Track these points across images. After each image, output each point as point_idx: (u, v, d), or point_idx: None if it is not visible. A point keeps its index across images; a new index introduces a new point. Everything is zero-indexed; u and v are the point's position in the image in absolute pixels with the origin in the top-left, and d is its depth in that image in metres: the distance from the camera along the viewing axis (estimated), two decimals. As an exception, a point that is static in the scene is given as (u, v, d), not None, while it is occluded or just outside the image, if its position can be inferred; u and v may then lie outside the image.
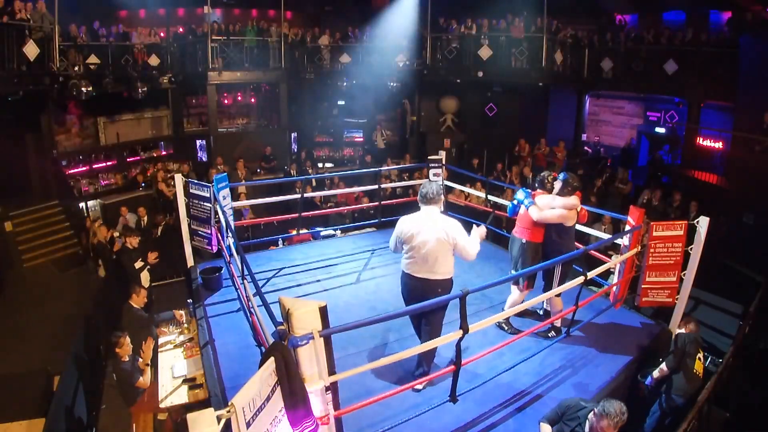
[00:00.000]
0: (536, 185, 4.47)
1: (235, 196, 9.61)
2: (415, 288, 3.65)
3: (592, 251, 4.50)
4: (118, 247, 7.30)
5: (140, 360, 4.71)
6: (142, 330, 5.02)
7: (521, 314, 4.64)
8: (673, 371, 4.00)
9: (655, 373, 4.09)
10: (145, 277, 6.55)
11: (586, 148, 13.30)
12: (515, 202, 4.45)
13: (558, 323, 4.42)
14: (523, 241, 4.34)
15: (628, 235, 4.59)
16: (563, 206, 4.15)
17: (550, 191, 4.33)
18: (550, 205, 4.18)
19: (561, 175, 4.30)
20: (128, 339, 4.62)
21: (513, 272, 4.43)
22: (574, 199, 4.19)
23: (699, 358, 4.07)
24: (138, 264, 6.51)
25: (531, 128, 12.53)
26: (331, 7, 14.64)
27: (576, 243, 4.65)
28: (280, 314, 2.84)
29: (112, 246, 7.77)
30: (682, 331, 4.17)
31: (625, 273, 4.67)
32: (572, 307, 4.15)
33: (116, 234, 8.28)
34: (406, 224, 3.62)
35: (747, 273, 6.85)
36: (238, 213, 8.64)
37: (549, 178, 4.39)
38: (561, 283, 4.28)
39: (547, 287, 4.40)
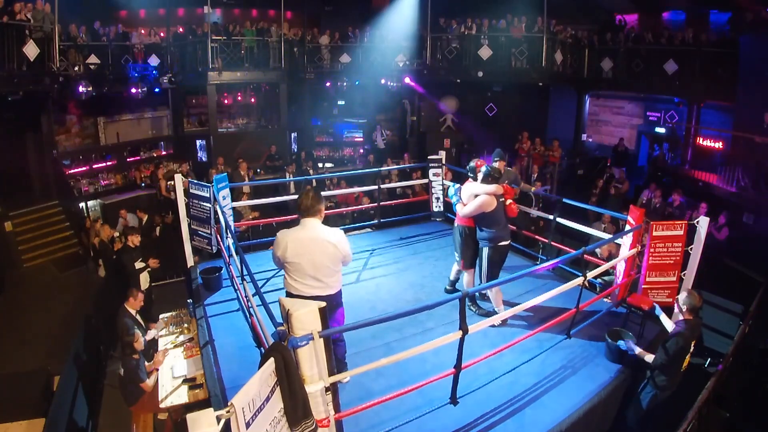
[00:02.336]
0: (468, 174, 4.85)
1: (237, 196, 9.64)
2: None
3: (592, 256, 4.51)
4: (118, 246, 7.30)
5: (148, 363, 4.71)
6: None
7: (519, 316, 4.64)
8: (660, 367, 3.80)
9: (637, 350, 3.92)
10: (144, 278, 6.55)
11: (595, 152, 13.27)
12: (453, 199, 4.94)
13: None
14: (458, 225, 4.85)
15: (628, 234, 4.60)
16: (483, 192, 4.52)
17: (476, 180, 4.70)
18: (473, 194, 4.59)
19: (484, 167, 4.66)
20: (141, 334, 4.63)
21: (456, 256, 4.93)
22: (493, 187, 4.53)
23: (689, 353, 3.81)
24: (138, 264, 6.51)
25: (531, 128, 12.53)
26: (331, 7, 14.64)
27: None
28: (279, 315, 2.84)
29: (113, 246, 7.77)
30: (681, 319, 3.83)
31: (626, 274, 4.67)
32: (573, 309, 4.16)
33: (116, 234, 8.28)
34: None
35: (747, 273, 6.85)
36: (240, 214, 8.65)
37: (476, 168, 4.74)
38: (491, 268, 4.61)
39: (481, 277, 4.71)
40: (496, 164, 5.41)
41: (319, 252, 3.30)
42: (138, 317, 5.27)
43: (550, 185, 11.58)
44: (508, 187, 4.78)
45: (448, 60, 12.38)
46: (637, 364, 4.09)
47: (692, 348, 3.79)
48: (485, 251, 4.61)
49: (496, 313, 4.65)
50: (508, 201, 4.75)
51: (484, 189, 4.53)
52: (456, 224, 4.93)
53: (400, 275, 5.78)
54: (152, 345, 5.11)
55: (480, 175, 4.61)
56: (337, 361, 3.42)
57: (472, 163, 4.81)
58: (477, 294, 5.03)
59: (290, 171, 11.45)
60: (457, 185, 4.91)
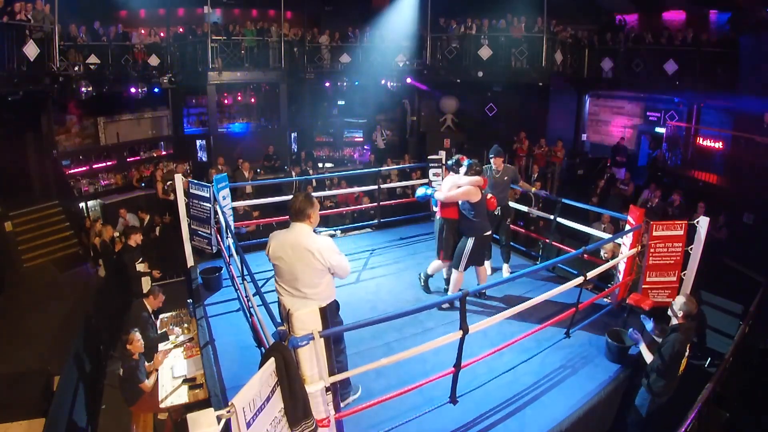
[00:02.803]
0: (450, 168, 5.11)
1: (240, 196, 9.64)
2: None
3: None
4: (119, 246, 7.30)
5: (148, 364, 4.70)
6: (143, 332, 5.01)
7: (518, 316, 4.64)
8: (657, 371, 3.78)
9: (642, 345, 3.92)
10: (145, 282, 6.54)
11: (588, 153, 13.27)
12: (426, 191, 5.22)
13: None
14: (439, 218, 5.06)
15: (628, 234, 4.59)
16: (468, 183, 4.72)
17: (458, 173, 4.93)
18: (456, 184, 4.78)
19: (466, 161, 4.88)
20: (139, 335, 4.62)
21: (437, 248, 5.11)
22: (476, 179, 4.74)
23: (685, 357, 3.80)
24: (140, 267, 6.49)
25: (531, 128, 12.54)
26: (331, 7, 14.65)
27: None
28: (279, 314, 2.84)
29: (114, 246, 7.77)
30: (675, 323, 3.78)
31: (625, 273, 4.67)
32: (572, 308, 4.15)
33: (116, 234, 8.27)
34: None
35: (747, 273, 6.85)
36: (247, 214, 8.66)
37: (457, 162, 4.99)
38: (470, 257, 4.79)
39: (456, 261, 4.89)
40: (492, 160, 5.50)
41: (297, 259, 3.10)
42: (152, 317, 5.27)
43: (550, 185, 11.60)
44: (486, 179, 4.99)
45: (448, 60, 12.38)
46: (637, 363, 4.09)
47: (687, 351, 3.79)
48: (470, 241, 4.79)
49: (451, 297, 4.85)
50: (489, 195, 4.96)
51: (468, 180, 4.74)
52: (437, 217, 5.12)
53: (400, 275, 5.78)
54: (153, 346, 5.10)
55: (462, 168, 4.84)
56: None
57: (455, 158, 5.03)
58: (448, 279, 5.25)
59: (295, 171, 11.45)
60: (427, 184, 5.17)
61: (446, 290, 5.28)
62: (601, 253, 5.73)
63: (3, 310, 7.61)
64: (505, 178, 5.60)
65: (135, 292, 6.29)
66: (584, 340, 4.44)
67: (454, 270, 4.96)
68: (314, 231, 3.29)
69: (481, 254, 4.96)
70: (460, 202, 4.84)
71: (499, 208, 5.55)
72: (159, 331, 5.21)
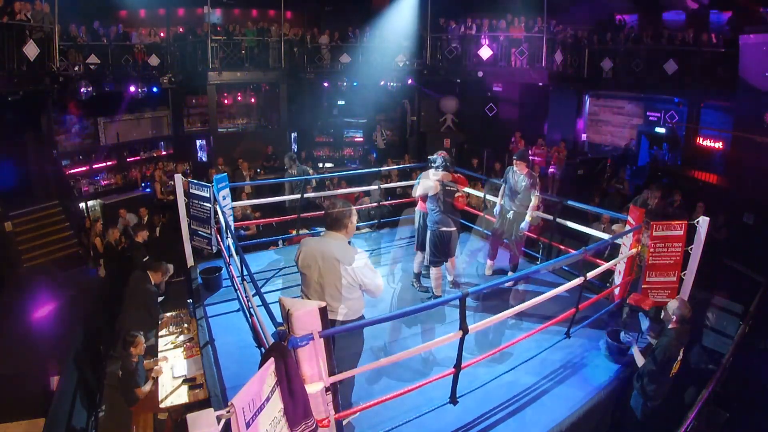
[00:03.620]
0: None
1: (238, 196, 9.63)
2: None
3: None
4: (122, 246, 7.30)
5: (147, 362, 4.70)
6: (145, 306, 5.01)
7: (518, 316, 4.64)
8: (649, 374, 3.77)
9: (634, 348, 3.95)
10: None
11: (588, 153, 13.30)
12: None
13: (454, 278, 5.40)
14: (418, 210, 5.41)
15: (628, 234, 4.59)
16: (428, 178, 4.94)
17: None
18: (427, 179, 4.97)
19: (438, 159, 5.00)
20: (143, 340, 4.61)
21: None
22: (439, 174, 4.90)
23: (678, 360, 3.80)
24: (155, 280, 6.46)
25: (531, 128, 12.54)
26: (331, 7, 14.64)
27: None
28: (280, 315, 2.84)
29: (118, 246, 7.76)
30: (669, 327, 3.78)
31: (625, 273, 4.67)
32: (572, 308, 4.15)
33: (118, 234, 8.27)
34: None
35: (747, 273, 6.84)
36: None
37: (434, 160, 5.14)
38: (431, 252, 4.97)
39: (423, 251, 5.18)
40: (515, 164, 5.48)
41: (326, 270, 3.01)
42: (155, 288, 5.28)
43: (551, 185, 11.60)
44: (462, 177, 5.16)
45: (448, 60, 12.38)
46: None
47: (681, 355, 3.78)
48: (428, 234, 4.98)
49: (436, 297, 4.96)
50: (458, 194, 5.01)
51: (431, 175, 4.93)
52: (418, 211, 5.41)
53: (400, 275, 5.77)
54: (156, 317, 5.10)
55: (434, 165, 5.00)
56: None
57: (434, 155, 5.12)
58: (422, 271, 5.43)
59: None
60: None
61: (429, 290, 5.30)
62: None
63: (3, 310, 7.60)
64: (524, 183, 5.46)
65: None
66: (584, 340, 4.44)
67: (431, 267, 5.08)
68: (313, 230, 3.28)
69: (442, 251, 4.98)
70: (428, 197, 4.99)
71: (512, 212, 5.53)
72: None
